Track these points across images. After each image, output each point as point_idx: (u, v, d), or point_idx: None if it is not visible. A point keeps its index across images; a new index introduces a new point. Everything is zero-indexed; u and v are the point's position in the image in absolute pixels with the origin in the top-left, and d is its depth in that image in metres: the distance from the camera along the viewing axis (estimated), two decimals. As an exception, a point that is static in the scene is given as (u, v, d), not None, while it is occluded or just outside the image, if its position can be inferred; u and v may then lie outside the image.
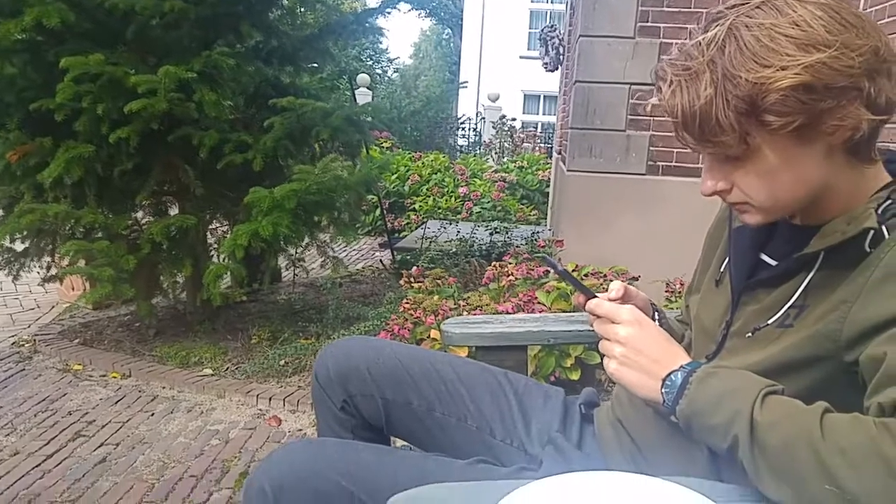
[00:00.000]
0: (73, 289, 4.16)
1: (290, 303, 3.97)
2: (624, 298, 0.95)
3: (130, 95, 2.85)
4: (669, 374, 0.78)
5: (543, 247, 3.41)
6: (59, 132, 2.97)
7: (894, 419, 0.61)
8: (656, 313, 1.01)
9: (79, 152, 2.88)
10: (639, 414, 0.99)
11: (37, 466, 2.33)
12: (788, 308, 0.81)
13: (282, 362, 3.16)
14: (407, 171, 6.65)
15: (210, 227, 3.63)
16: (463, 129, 13.11)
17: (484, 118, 13.30)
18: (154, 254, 3.18)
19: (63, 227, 3.15)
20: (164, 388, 3.04)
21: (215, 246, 3.54)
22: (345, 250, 5.63)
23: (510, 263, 2.84)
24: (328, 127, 3.27)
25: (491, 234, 4.28)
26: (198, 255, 3.37)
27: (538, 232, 4.10)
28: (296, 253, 3.65)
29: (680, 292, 2.83)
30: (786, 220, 0.89)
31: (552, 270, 1.06)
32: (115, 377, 3.16)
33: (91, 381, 3.13)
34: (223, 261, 3.32)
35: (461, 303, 2.75)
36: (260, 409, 2.82)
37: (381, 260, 5.04)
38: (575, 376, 2.50)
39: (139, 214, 3.49)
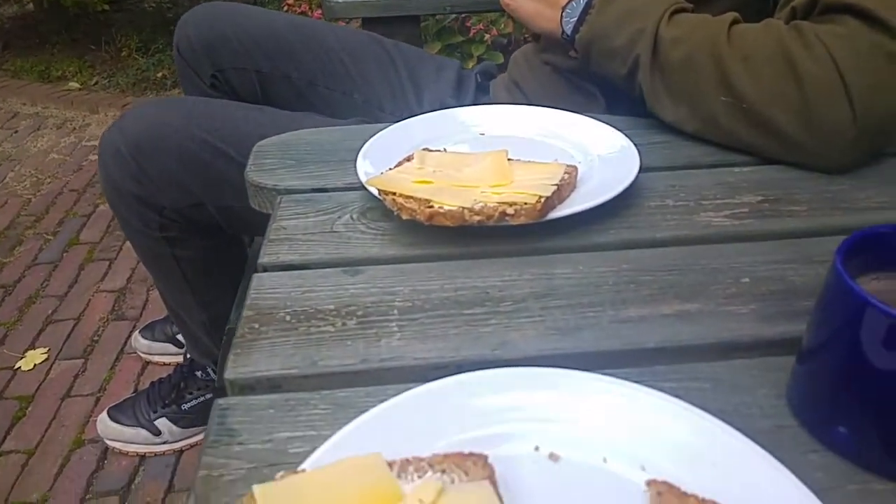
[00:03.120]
0: None
1: (160, 10, 3.50)
2: None
3: None
4: (571, 1, 0.69)
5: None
6: None
7: (806, 22, 0.56)
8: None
9: None
10: (535, 73, 0.93)
11: None
12: None
13: (159, 74, 2.88)
14: None
15: None
16: None
17: None
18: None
19: None
20: (24, 104, 2.74)
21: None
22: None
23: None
24: None
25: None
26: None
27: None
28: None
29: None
30: None
31: None
32: (-37, 94, 2.81)
33: (-65, 99, 2.77)
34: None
35: None
36: (140, 123, 2.62)
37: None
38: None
39: None
